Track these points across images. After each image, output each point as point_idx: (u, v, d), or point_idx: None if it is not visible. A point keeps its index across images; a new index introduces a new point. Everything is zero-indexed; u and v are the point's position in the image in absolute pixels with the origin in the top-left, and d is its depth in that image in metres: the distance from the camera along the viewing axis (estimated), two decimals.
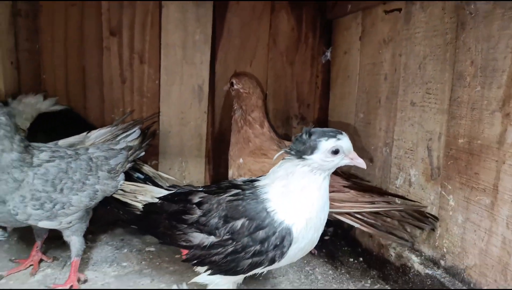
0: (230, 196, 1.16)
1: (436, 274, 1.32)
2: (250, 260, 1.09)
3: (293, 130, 2.32)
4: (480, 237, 1.20)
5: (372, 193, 1.59)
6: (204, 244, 1.13)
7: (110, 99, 2.14)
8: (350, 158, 1.08)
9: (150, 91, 2.17)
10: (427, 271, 1.36)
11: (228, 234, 1.10)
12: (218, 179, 2.20)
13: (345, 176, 1.69)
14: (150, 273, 1.58)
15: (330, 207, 1.51)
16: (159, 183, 1.93)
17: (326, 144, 1.04)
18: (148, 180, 1.90)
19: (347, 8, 2.01)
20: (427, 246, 1.44)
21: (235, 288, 1.33)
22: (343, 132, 1.08)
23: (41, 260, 1.60)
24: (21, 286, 1.44)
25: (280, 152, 1.14)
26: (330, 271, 1.69)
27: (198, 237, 1.15)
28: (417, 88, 1.52)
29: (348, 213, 1.54)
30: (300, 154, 1.06)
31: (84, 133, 1.59)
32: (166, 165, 2.21)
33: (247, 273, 1.12)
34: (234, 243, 1.09)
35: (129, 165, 1.61)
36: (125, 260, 1.68)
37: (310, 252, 1.83)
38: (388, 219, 1.53)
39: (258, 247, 1.07)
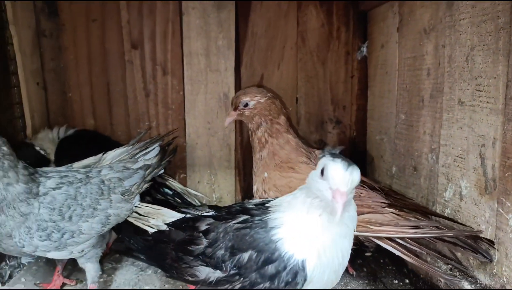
0: (238, 223, 1.03)
1: None
2: None
3: (328, 135, 2.13)
4: None
5: (416, 214, 1.36)
6: (210, 280, 1.01)
7: (135, 113, 2.09)
8: (333, 195, 0.85)
9: (175, 103, 2.09)
10: None
11: (235, 268, 0.97)
12: (250, 191, 2.07)
13: (384, 192, 1.47)
14: None
15: (366, 231, 1.33)
16: (188, 199, 1.85)
17: (322, 161, 0.89)
18: (177, 196, 1.82)
19: None
20: (482, 273, 1.20)
21: None
22: (355, 166, 0.87)
23: (64, 284, 1.56)
24: None
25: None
26: None
27: (204, 272, 1.03)
28: (465, 84, 1.28)
29: (388, 238, 1.33)
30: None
31: (100, 155, 1.53)
32: (195, 178, 2.12)
33: None
34: (242, 279, 0.96)
35: (146, 185, 1.52)
36: (149, 282, 1.60)
37: (348, 272, 1.67)
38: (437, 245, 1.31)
39: (267, 284, 0.93)
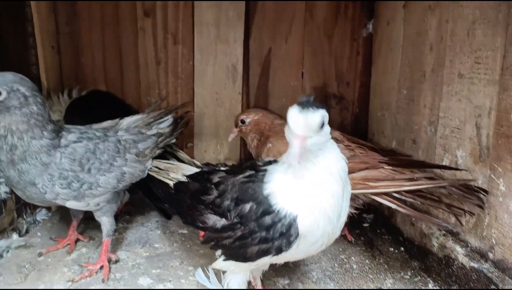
0: (244, 177, 1.11)
1: (483, 268, 1.18)
2: (257, 247, 1.02)
3: (331, 110, 2.19)
4: None
5: (412, 168, 1.44)
6: (216, 226, 1.10)
7: (146, 81, 2.15)
8: (294, 140, 0.86)
9: (185, 72, 2.15)
10: (472, 264, 1.21)
11: (237, 217, 1.05)
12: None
13: (383, 153, 1.55)
14: (180, 255, 1.58)
15: (364, 188, 1.41)
16: None
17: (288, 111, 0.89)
18: None
19: None
20: (473, 236, 1.29)
21: (259, 275, 1.28)
22: (315, 109, 0.86)
23: (78, 240, 1.66)
24: (58, 263, 1.50)
25: None
26: (367, 261, 1.58)
27: (212, 219, 1.12)
28: (465, 57, 1.34)
29: (385, 193, 1.40)
30: None
31: (117, 119, 1.61)
32: (202, 148, 2.19)
33: (255, 260, 1.05)
34: (242, 227, 1.04)
35: (158, 151, 1.60)
36: (158, 241, 1.70)
37: (347, 239, 1.75)
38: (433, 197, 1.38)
39: (264, 233, 1.00)
